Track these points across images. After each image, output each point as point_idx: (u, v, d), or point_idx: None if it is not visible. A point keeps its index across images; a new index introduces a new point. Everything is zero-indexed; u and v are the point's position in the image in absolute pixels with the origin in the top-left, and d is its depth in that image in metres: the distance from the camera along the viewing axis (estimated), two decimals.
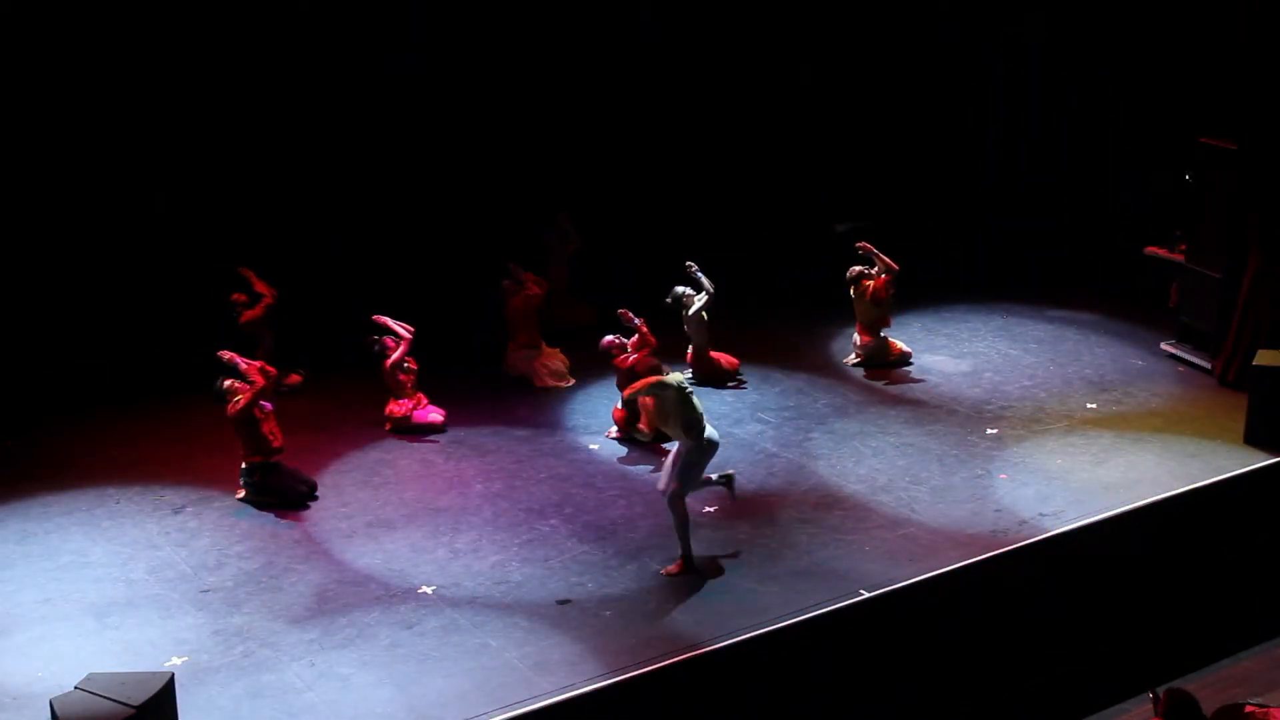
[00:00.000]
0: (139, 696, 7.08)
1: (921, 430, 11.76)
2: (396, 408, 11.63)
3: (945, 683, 9.01)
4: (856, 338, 13.22)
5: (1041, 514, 10.21)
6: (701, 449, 9.36)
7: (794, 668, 8.63)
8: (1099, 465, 11.06)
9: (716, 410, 12.11)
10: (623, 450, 11.41)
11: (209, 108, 13.44)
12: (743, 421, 11.96)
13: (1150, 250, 14.93)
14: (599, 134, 15.44)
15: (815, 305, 14.62)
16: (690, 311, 12.44)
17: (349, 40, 14.01)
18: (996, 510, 10.31)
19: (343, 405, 12.28)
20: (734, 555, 9.56)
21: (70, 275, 12.99)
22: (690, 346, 12.68)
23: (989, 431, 11.71)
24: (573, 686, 8.10)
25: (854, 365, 13.16)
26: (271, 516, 10.25)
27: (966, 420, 11.96)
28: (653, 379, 9.70)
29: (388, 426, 11.66)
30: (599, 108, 15.43)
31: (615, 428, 11.59)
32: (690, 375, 12.70)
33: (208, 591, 9.22)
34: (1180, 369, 13.16)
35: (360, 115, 14.17)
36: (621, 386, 11.49)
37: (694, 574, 9.31)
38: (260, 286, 12.07)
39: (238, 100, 13.55)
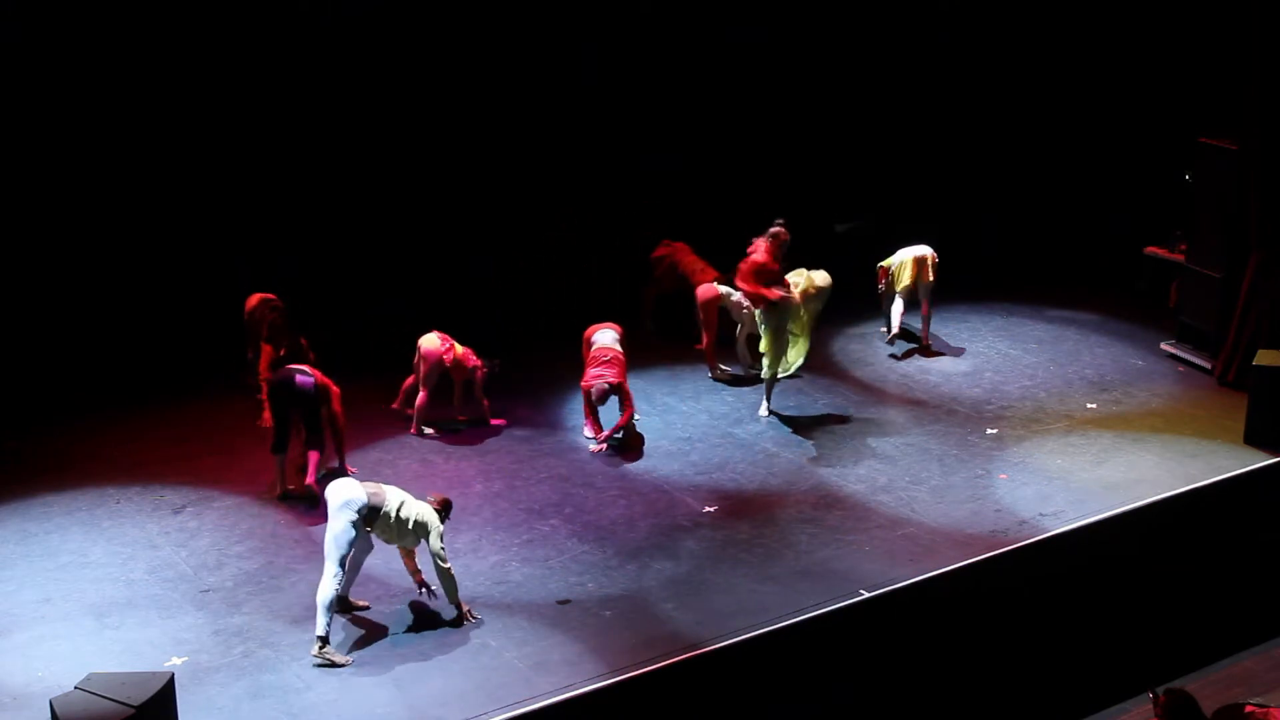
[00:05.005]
0: (139, 696, 7.09)
1: (921, 430, 11.76)
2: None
3: (945, 683, 9.01)
4: (897, 318, 13.34)
5: (1041, 514, 10.21)
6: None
7: (794, 668, 8.63)
8: (1099, 465, 11.07)
9: (717, 410, 12.12)
10: (623, 450, 11.41)
11: (208, 106, 13.40)
12: (743, 421, 11.95)
13: (1150, 250, 14.94)
14: (606, 135, 15.42)
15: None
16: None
17: (364, 42, 13.98)
18: (996, 510, 10.31)
19: (343, 405, 12.25)
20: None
21: (70, 275, 12.97)
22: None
23: (989, 431, 11.71)
24: (573, 686, 8.11)
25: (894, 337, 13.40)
26: (271, 516, 10.25)
27: (966, 420, 11.95)
28: None
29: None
30: (600, 109, 15.41)
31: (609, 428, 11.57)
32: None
33: (208, 591, 9.22)
34: (1180, 369, 13.16)
35: (375, 116, 14.16)
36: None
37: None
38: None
39: (246, 100, 13.51)
